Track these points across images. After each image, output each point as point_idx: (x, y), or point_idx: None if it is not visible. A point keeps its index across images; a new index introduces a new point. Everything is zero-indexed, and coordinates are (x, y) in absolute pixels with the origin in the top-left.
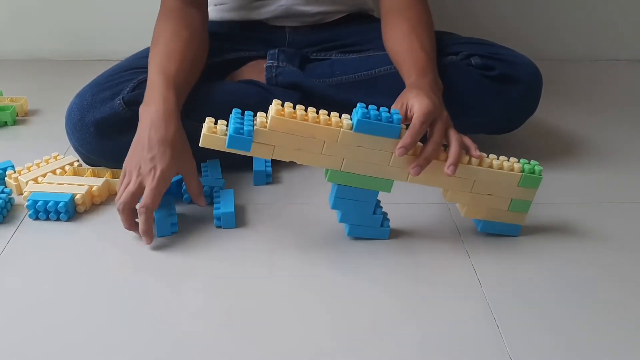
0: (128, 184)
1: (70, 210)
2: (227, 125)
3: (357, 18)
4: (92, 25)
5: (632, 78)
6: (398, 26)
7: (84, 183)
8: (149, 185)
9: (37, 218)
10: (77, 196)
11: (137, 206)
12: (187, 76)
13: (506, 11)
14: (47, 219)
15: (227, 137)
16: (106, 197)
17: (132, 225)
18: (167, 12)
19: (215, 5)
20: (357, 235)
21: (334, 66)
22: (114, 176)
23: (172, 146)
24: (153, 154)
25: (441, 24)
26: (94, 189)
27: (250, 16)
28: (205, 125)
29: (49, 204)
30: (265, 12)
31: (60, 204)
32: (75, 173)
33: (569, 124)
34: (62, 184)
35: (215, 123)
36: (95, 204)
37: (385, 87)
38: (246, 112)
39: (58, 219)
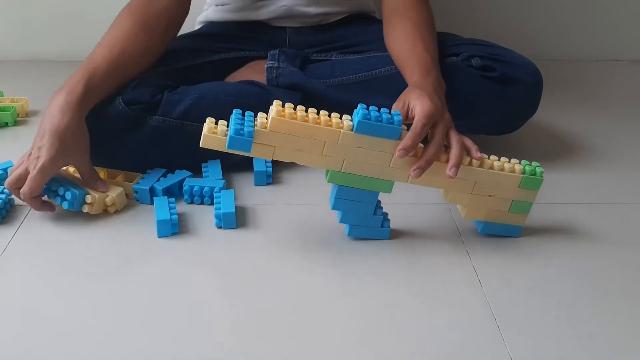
0: (22, 163)
1: (75, 204)
2: (227, 126)
3: (358, 19)
4: (92, 26)
5: (632, 78)
6: (401, 27)
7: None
8: (30, 174)
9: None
10: (88, 196)
11: (20, 191)
12: (116, 75)
13: (506, 12)
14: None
15: (227, 138)
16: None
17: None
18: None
19: (217, 5)
20: (357, 236)
21: (334, 67)
22: (125, 178)
23: (61, 139)
24: (42, 144)
25: (442, 25)
26: (107, 198)
27: (252, 16)
28: (205, 126)
29: (60, 190)
30: (266, 13)
31: (68, 193)
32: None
33: (570, 124)
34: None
35: (216, 123)
36: (109, 212)
37: (385, 87)
38: (247, 113)
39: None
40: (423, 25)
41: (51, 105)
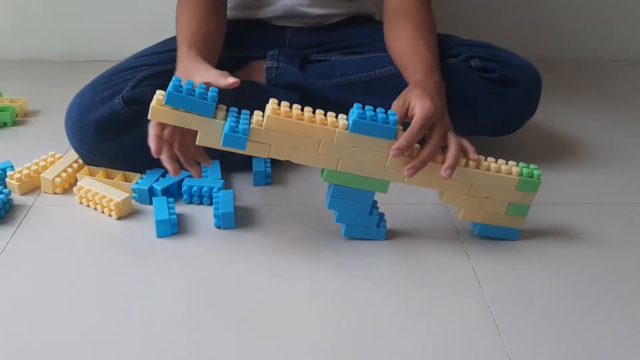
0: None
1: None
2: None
3: (359, 20)
4: (91, 26)
5: (631, 79)
6: (403, 27)
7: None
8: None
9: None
10: (115, 201)
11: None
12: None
13: (506, 12)
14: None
15: (222, 136)
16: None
17: None
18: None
19: None
20: (353, 236)
21: (334, 67)
22: (125, 179)
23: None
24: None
25: (441, 26)
26: (112, 202)
27: (253, 15)
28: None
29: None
30: (268, 11)
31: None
32: (91, 173)
33: (568, 124)
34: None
35: None
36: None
37: (385, 88)
38: (242, 111)
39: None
40: (425, 27)
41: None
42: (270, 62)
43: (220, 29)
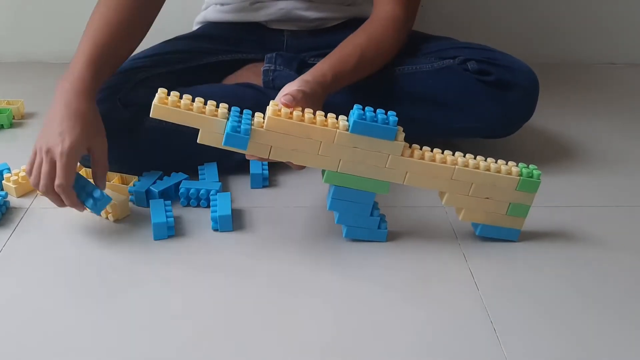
0: (41, 164)
1: (101, 204)
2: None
3: (356, 24)
4: None
5: (629, 82)
6: (358, 31)
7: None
8: (60, 163)
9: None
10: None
11: (55, 186)
12: (117, 49)
13: (504, 15)
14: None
15: (223, 135)
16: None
17: (62, 203)
18: None
19: (215, 5)
20: (354, 237)
21: None
22: (123, 182)
23: (83, 120)
24: (62, 129)
25: (438, 28)
26: (109, 204)
27: (250, 18)
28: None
29: (88, 187)
30: (264, 15)
31: (97, 191)
32: (88, 175)
33: (566, 127)
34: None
35: None
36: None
37: (382, 90)
38: (245, 111)
39: None
40: (377, 35)
41: (62, 93)
42: (267, 65)
43: (145, 18)
